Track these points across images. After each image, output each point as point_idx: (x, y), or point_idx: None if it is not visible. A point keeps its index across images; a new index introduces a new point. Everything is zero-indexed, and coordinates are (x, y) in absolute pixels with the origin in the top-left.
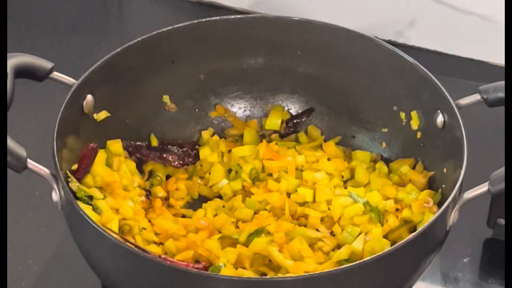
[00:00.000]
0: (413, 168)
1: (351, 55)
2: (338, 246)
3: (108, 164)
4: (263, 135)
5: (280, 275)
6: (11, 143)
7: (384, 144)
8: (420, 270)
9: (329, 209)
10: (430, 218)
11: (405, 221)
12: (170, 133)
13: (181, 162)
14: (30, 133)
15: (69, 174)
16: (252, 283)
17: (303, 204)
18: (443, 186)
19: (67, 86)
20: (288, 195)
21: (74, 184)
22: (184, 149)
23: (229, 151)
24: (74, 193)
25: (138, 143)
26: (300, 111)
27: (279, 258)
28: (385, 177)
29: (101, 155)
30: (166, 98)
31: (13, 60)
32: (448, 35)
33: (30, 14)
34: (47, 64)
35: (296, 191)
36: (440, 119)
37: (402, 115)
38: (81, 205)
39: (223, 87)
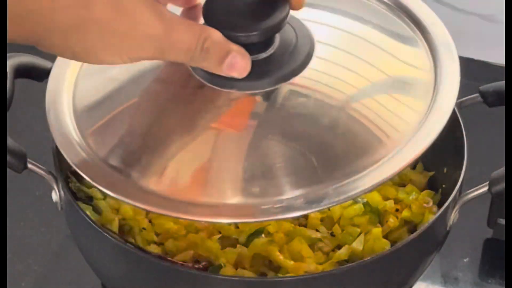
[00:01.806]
0: (413, 168)
1: None
2: (338, 247)
3: None
4: None
5: (280, 275)
6: (11, 143)
7: None
8: (420, 270)
9: (329, 209)
10: (430, 218)
11: (405, 222)
12: None
13: None
14: (30, 133)
15: (69, 174)
16: (252, 283)
17: None
18: (443, 186)
19: None
20: None
21: (74, 185)
22: None
23: None
24: (74, 193)
25: None
26: None
27: (279, 258)
28: None
29: None
30: None
31: (13, 60)
32: None
33: None
34: (47, 64)
35: None
36: None
37: None
38: (81, 205)
39: None
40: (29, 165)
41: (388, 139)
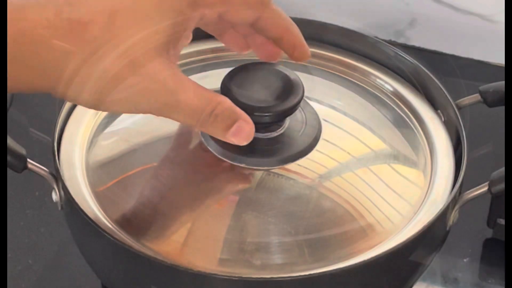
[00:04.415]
0: None
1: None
2: None
3: None
4: None
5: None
6: (11, 143)
7: None
8: (420, 270)
9: None
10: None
11: None
12: None
13: None
14: (30, 133)
15: None
16: (252, 283)
17: None
18: None
19: None
20: None
21: None
22: None
23: None
24: None
25: None
26: None
27: None
28: None
29: None
30: None
31: None
32: (448, 35)
33: None
34: None
35: None
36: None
37: None
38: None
39: None
40: (29, 165)
41: (381, 229)
